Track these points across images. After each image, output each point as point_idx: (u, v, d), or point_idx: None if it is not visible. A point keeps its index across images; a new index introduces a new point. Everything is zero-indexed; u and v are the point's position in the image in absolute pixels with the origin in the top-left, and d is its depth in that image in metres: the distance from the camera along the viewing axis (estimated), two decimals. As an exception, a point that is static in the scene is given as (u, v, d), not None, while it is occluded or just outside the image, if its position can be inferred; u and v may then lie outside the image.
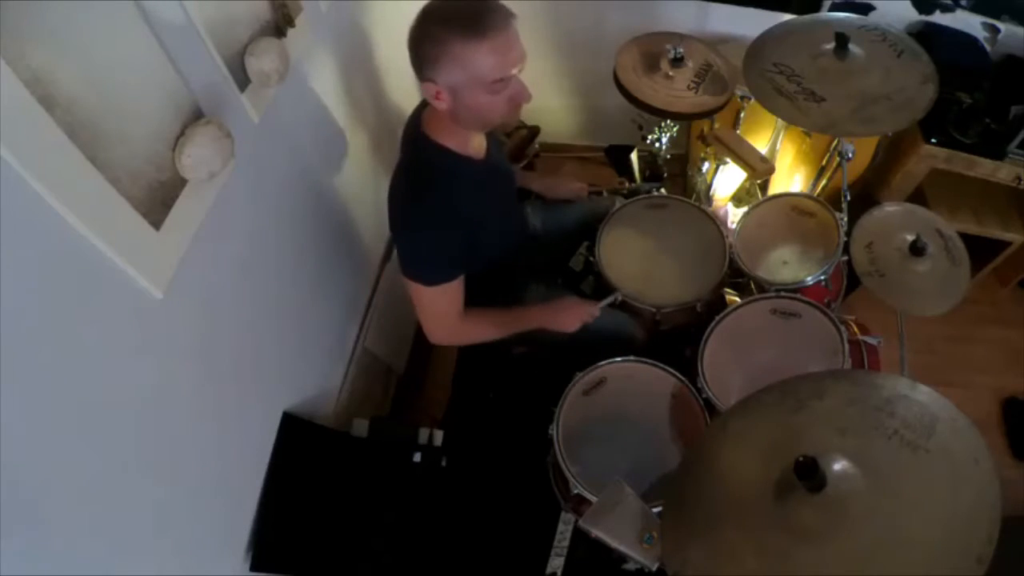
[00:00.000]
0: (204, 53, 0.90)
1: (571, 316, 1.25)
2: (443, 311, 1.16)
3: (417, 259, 1.09)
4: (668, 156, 1.85)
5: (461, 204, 1.07)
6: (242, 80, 0.99)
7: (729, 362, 1.28)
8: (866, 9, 1.81)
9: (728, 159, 1.69)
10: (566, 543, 1.16)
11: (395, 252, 1.77)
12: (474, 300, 1.27)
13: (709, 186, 1.86)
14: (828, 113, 1.25)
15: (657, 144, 1.80)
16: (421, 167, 1.10)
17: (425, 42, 0.94)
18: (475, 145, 1.14)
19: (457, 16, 0.92)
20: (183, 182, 0.83)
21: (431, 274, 1.09)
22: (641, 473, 1.15)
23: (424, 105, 1.14)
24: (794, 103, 1.27)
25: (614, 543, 0.90)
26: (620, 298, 1.36)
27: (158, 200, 0.78)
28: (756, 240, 1.48)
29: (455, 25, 0.91)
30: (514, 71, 0.97)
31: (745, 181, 1.83)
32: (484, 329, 1.23)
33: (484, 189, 1.14)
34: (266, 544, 1.05)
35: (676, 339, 1.42)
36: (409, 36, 0.97)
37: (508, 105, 1.00)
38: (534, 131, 2.19)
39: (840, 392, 0.79)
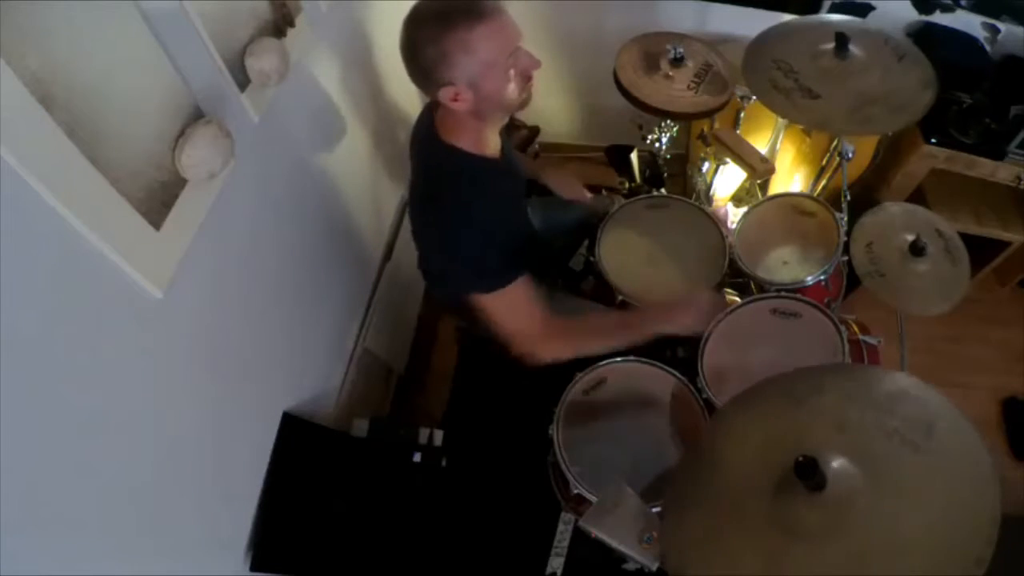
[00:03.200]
0: (204, 53, 0.90)
1: (702, 313, 1.18)
2: (525, 313, 1.09)
3: (474, 270, 1.06)
4: (668, 156, 1.85)
5: (490, 205, 1.06)
6: (242, 80, 0.99)
7: (729, 362, 1.28)
8: (866, 9, 1.81)
9: (728, 159, 1.69)
10: (566, 543, 1.16)
11: (395, 253, 1.77)
12: None
13: (709, 186, 1.86)
14: (824, 110, 1.25)
15: (657, 144, 1.80)
16: (445, 178, 1.07)
17: (428, 46, 0.93)
18: (492, 144, 1.13)
19: (452, 10, 0.92)
20: (183, 182, 0.83)
21: (493, 278, 1.05)
22: (641, 473, 1.15)
23: (431, 110, 1.13)
24: (790, 99, 1.27)
25: (614, 543, 0.90)
26: None
27: (158, 200, 0.78)
28: (756, 240, 1.48)
29: (455, 18, 0.91)
30: (520, 42, 0.98)
31: (745, 181, 1.83)
32: (588, 333, 1.16)
33: (504, 188, 1.14)
34: (266, 544, 1.05)
35: (676, 339, 1.42)
36: (405, 48, 0.96)
37: (522, 80, 1.01)
38: (534, 131, 2.19)
39: (839, 388, 0.79)
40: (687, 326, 1.15)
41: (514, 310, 1.09)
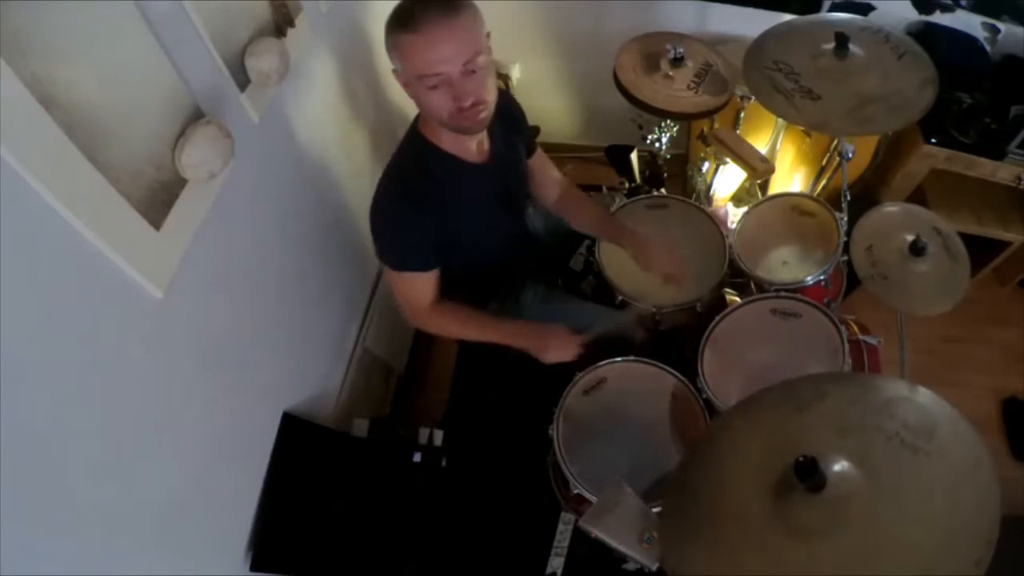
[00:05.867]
0: (204, 53, 0.90)
1: (555, 348, 1.17)
2: (412, 298, 1.17)
3: (386, 242, 1.10)
4: (668, 156, 1.85)
5: (441, 200, 1.07)
6: (242, 80, 0.99)
7: (729, 362, 1.28)
8: (866, 9, 1.81)
9: (728, 159, 1.69)
10: (566, 543, 1.16)
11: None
12: (469, 300, 1.26)
13: (709, 186, 1.86)
14: (823, 111, 1.25)
15: (657, 144, 1.80)
16: (406, 157, 1.11)
17: (385, 36, 0.98)
18: (471, 147, 1.13)
19: (401, 12, 0.95)
20: (183, 182, 0.83)
21: (399, 259, 1.10)
22: (641, 473, 1.15)
23: None
24: (790, 100, 1.27)
25: (614, 543, 0.90)
26: (598, 332, 1.23)
27: (158, 200, 0.78)
28: (756, 240, 1.48)
29: (397, 19, 0.94)
30: (447, 68, 0.93)
31: (745, 181, 1.83)
32: (457, 326, 1.23)
33: (476, 191, 1.13)
34: (266, 544, 1.05)
35: (676, 339, 1.42)
36: None
37: (453, 106, 0.96)
38: (534, 131, 2.19)
39: (841, 393, 0.79)
40: (538, 349, 1.19)
41: (403, 292, 1.17)
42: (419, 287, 1.15)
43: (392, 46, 0.96)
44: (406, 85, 1.00)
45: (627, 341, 1.36)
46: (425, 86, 0.95)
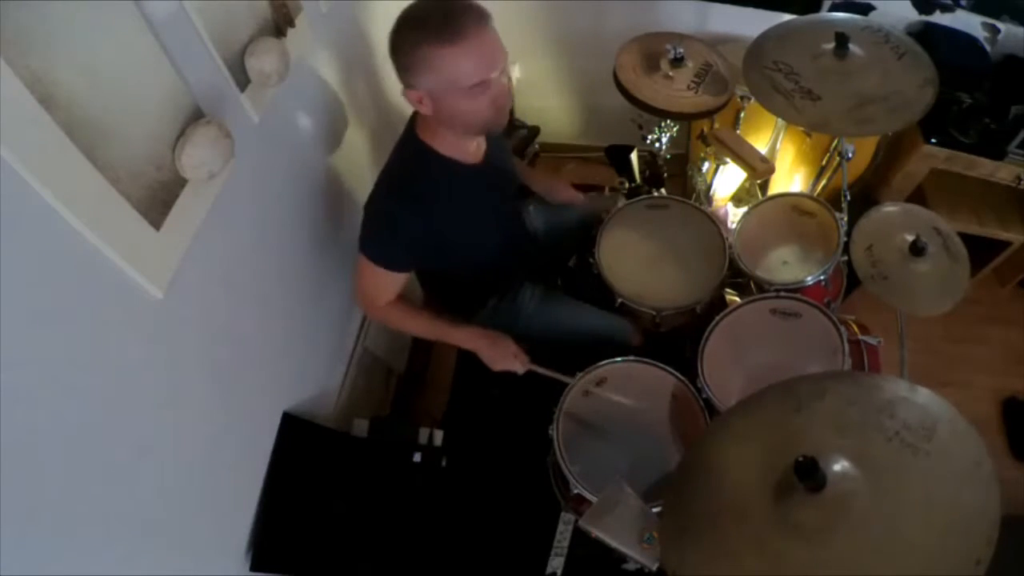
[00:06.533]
0: (204, 53, 0.90)
1: (502, 358, 1.21)
2: (373, 290, 1.19)
3: (372, 235, 1.11)
4: (668, 156, 1.85)
5: (435, 201, 1.08)
6: (242, 80, 0.99)
7: (729, 362, 1.28)
8: (866, 9, 1.81)
9: (728, 159, 1.69)
10: (566, 543, 1.16)
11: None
12: (465, 300, 1.26)
13: (709, 186, 1.86)
14: (823, 112, 1.25)
15: (657, 144, 1.80)
16: (404, 159, 1.12)
17: (401, 49, 0.96)
18: (470, 150, 1.13)
19: (430, 21, 0.92)
20: (183, 182, 0.83)
21: (374, 252, 1.11)
22: (641, 473, 1.15)
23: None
24: (790, 101, 1.27)
25: (614, 543, 0.90)
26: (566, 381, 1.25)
27: (158, 200, 0.78)
28: (756, 240, 1.48)
29: (429, 31, 0.92)
30: (493, 74, 0.95)
31: (745, 181, 1.83)
32: (408, 325, 1.24)
33: (473, 192, 1.14)
34: (266, 544, 1.05)
35: (676, 339, 1.42)
36: (389, 44, 0.99)
37: (491, 108, 0.99)
38: (534, 131, 2.19)
39: (841, 393, 0.79)
40: (487, 357, 1.23)
41: (366, 281, 1.18)
42: (385, 283, 1.16)
43: (421, 61, 0.94)
44: (437, 97, 0.97)
45: (621, 345, 1.36)
46: (470, 95, 0.95)
